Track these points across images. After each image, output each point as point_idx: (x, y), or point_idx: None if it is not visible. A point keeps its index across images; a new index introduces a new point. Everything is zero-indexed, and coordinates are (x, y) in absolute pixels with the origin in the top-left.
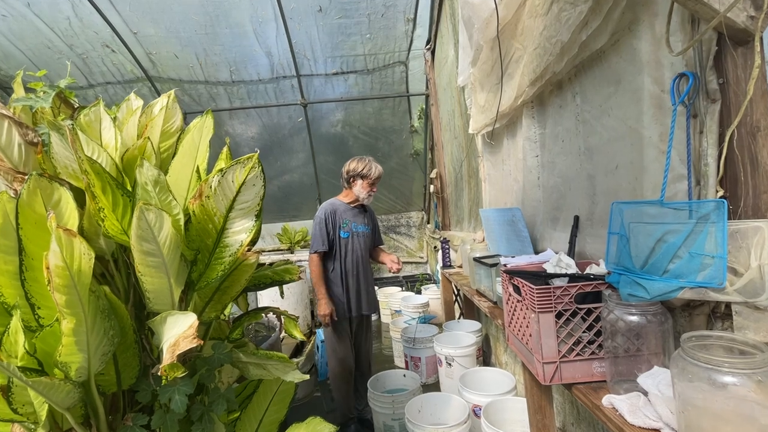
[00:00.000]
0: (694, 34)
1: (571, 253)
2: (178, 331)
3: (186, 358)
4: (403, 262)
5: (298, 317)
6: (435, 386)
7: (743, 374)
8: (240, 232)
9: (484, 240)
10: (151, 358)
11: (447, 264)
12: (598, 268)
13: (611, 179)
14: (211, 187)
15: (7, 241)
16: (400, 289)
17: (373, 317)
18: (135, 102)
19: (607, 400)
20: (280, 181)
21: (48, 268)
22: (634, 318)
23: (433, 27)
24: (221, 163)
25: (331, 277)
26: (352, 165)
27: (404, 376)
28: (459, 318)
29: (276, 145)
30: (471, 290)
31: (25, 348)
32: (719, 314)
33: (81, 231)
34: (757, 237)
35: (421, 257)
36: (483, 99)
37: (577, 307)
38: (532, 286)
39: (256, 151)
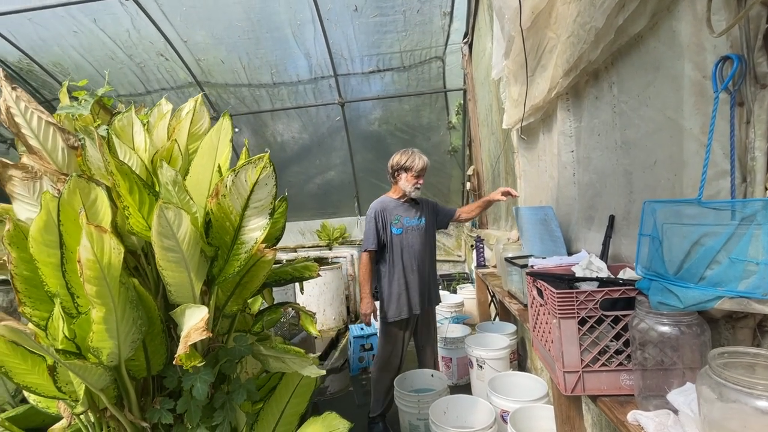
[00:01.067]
0: (739, 12)
1: (604, 255)
2: (191, 324)
3: (210, 349)
4: (440, 261)
5: (315, 313)
6: (466, 388)
7: None
8: (255, 229)
9: (518, 240)
10: (177, 346)
11: (481, 263)
12: (631, 273)
13: (649, 175)
14: (226, 186)
15: (51, 236)
16: None
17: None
18: (165, 106)
19: (633, 416)
20: (320, 180)
21: (80, 261)
22: (665, 328)
23: (471, 20)
24: (241, 164)
25: (389, 275)
26: (396, 158)
27: (432, 376)
28: (494, 319)
29: (315, 145)
30: (503, 291)
31: (64, 333)
32: (767, 328)
33: (115, 227)
34: None
35: (459, 256)
36: (517, 92)
37: (603, 314)
38: (553, 289)
39: (266, 152)
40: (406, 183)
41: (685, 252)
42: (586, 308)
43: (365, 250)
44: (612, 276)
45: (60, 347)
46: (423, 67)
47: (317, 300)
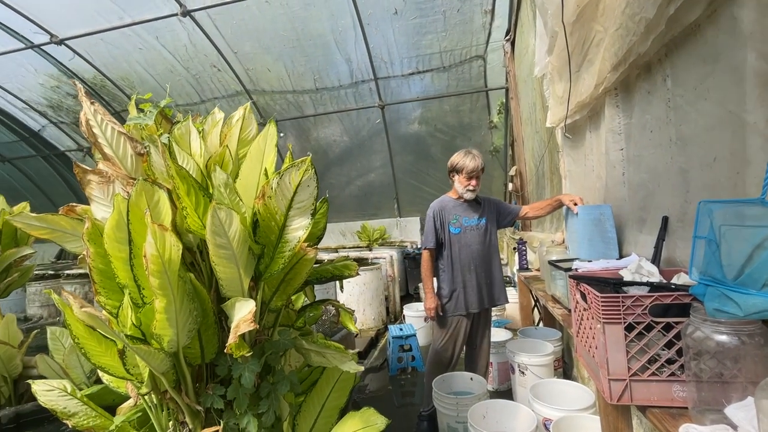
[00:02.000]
0: None
1: (656, 259)
2: (240, 316)
3: (256, 341)
4: None
5: (354, 311)
6: (507, 394)
7: None
8: (298, 229)
9: (563, 242)
10: (228, 337)
11: (524, 267)
12: (686, 278)
13: (708, 174)
14: (272, 188)
15: (121, 233)
16: None
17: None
18: (218, 115)
19: (686, 430)
20: (360, 182)
21: (145, 256)
22: (724, 338)
23: (513, 16)
24: (285, 167)
25: (446, 273)
26: (452, 159)
27: (471, 379)
28: (537, 325)
29: (356, 147)
30: (546, 295)
31: (132, 321)
32: None
33: (174, 226)
34: None
35: (501, 258)
36: (561, 89)
37: (652, 321)
38: (597, 293)
39: (308, 155)
40: (459, 185)
41: (746, 256)
42: (634, 314)
43: (425, 248)
44: (664, 281)
45: (128, 333)
46: (463, 66)
47: (357, 299)
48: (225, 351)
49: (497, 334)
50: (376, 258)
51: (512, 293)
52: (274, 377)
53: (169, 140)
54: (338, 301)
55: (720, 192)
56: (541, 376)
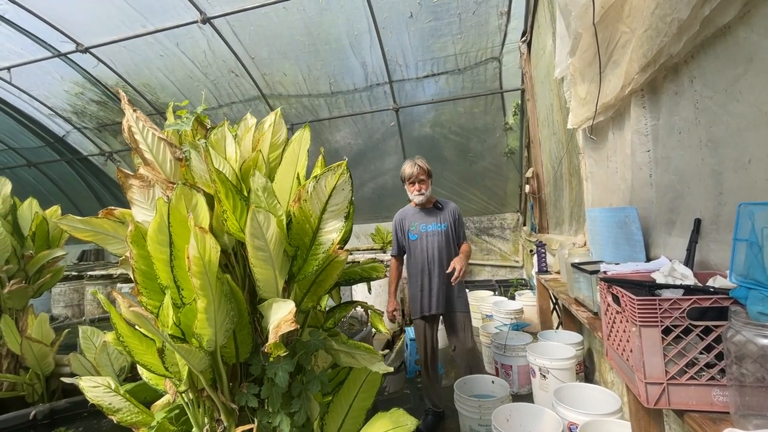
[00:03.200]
0: None
1: (689, 261)
2: (280, 316)
3: (288, 341)
4: (496, 266)
5: (383, 312)
6: (528, 397)
7: None
8: (332, 231)
9: (585, 244)
10: (261, 337)
11: (543, 269)
12: (723, 281)
13: (742, 176)
14: (307, 191)
15: (162, 236)
16: (492, 293)
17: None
18: (250, 120)
19: None
20: (374, 184)
21: (188, 257)
22: (766, 341)
23: (529, 17)
24: (317, 170)
25: (409, 278)
26: None
27: (492, 382)
28: (557, 328)
29: (370, 150)
30: (569, 298)
31: (173, 320)
32: None
33: (211, 229)
34: None
35: (516, 261)
36: (584, 91)
37: (690, 324)
38: (633, 296)
39: (345, 159)
40: (408, 193)
41: None
42: (671, 317)
43: (392, 255)
44: (699, 284)
45: (169, 332)
46: (479, 68)
47: (373, 302)
48: (264, 350)
49: (517, 338)
50: (389, 260)
51: (529, 296)
52: (305, 377)
53: (206, 145)
54: (366, 302)
55: (756, 194)
56: (563, 379)
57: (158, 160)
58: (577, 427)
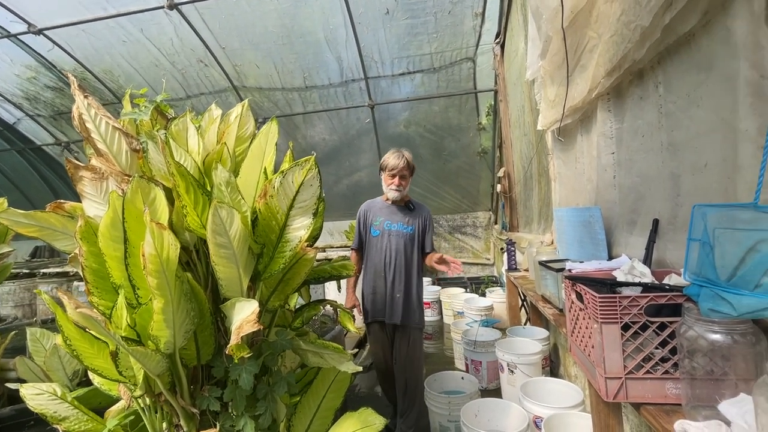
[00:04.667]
0: None
1: (647, 260)
2: (243, 316)
3: (253, 342)
4: (469, 264)
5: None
6: (496, 392)
7: None
8: (299, 228)
9: (552, 243)
10: (224, 338)
11: (512, 267)
12: (678, 279)
13: (699, 179)
14: (274, 187)
15: (116, 232)
16: (463, 290)
17: (434, 317)
18: (215, 111)
19: (680, 425)
20: (349, 181)
21: (143, 255)
22: (717, 336)
23: (503, 20)
24: (285, 165)
25: (364, 276)
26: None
27: (462, 378)
28: (525, 324)
29: (345, 146)
30: (536, 295)
31: (127, 321)
32: None
33: (170, 225)
34: None
35: (488, 259)
36: (553, 93)
37: (647, 320)
38: (595, 294)
39: (313, 154)
40: (384, 184)
41: (739, 258)
42: (630, 314)
43: (352, 249)
44: (656, 281)
45: (123, 334)
46: (453, 68)
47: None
48: (225, 352)
49: (487, 334)
50: None
51: (499, 293)
52: (271, 378)
53: (166, 137)
54: (335, 301)
55: (711, 196)
56: (530, 374)
57: (112, 151)
58: (542, 420)
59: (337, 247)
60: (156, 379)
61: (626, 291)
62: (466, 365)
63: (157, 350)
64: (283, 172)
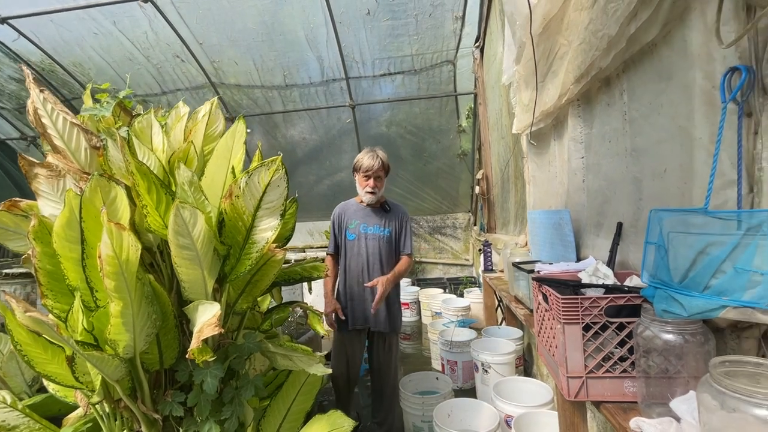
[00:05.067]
0: (748, 23)
1: (611, 262)
2: (204, 319)
3: (219, 345)
4: (448, 264)
5: (322, 312)
6: (471, 392)
7: None
8: (267, 229)
9: (526, 244)
10: (189, 341)
11: (489, 268)
12: (638, 281)
13: (659, 184)
14: (240, 187)
15: (73, 232)
16: (442, 291)
17: (412, 318)
18: (182, 109)
19: (636, 423)
20: (330, 181)
21: (100, 257)
22: (669, 336)
23: (482, 24)
24: (254, 166)
25: (338, 282)
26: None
27: (437, 378)
28: (501, 324)
29: (326, 146)
30: (509, 296)
31: (83, 325)
32: None
33: (132, 225)
34: None
35: (467, 260)
36: (527, 98)
37: (607, 321)
38: (558, 295)
39: (279, 155)
40: (358, 186)
41: (690, 261)
42: (591, 314)
43: (327, 253)
44: (618, 283)
45: (79, 339)
46: (434, 70)
47: (313, 302)
48: (187, 356)
49: (463, 334)
50: None
51: (477, 294)
52: (238, 382)
53: (128, 134)
54: (306, 303)
55: (669, 201)
56: (504, 374)
57: (70, 148)
58: (512, 419)
59: (317, 248)
60: (115, 385)
61: (590, 292)
62: (442, 365)
63: (115, 355)
64: (248, 172)
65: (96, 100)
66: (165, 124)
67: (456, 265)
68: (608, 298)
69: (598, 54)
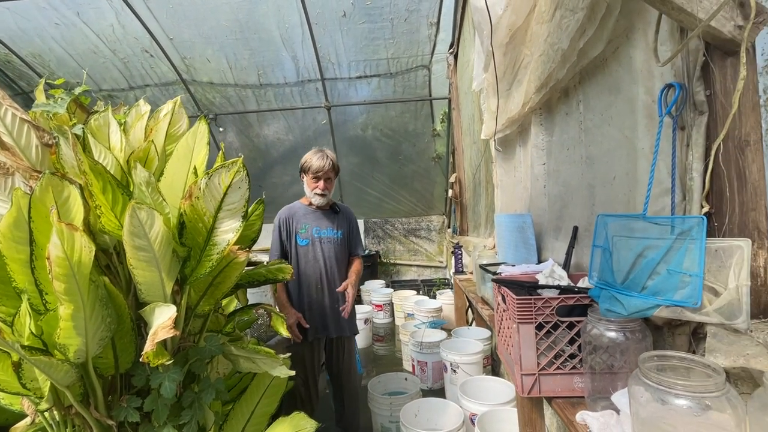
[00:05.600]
0: (681, 44)
1: (567, 264)
2: (160, 322)
3: (179, 348)
4: (422, 266)
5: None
6: (440, 392)
7: (693, 397)
8: (228, 231)
9: (494, 247)
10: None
11: (459, 270)
12: (588, 282)
13: (609, 190)
14: (200, 188)
15: (20, 232)
16: (415, 292)
17: (385, 320)
18: (143, 107)
19: (581, 416)
20: None
21: (49, 258)
22: (612, 334)
23: (456, 31)
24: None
25: (289, 292)
26: (301, 161)
27: (406, 379)
28: (470, 325)
29: (301, 147)
30: (477, 297)
31: (30, 329)
32: (701, 335)
33: (87, 226)
34: (737, 256)
35: (440, 261)
36: (495, 104)
37: (558, 320)
38: (514, 296)
39: (240, 156)
40: (307, 187)
41: (630, 263)
42: (544, 314)
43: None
44: (571, 284)
45: (26, 343)
46: (409, 74)
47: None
48: (141, 359)
49: (433, 335)
50: None
51: (449, 295)
52: (199, 385)
53: (83, 131)
54: (270, 305)
55: (617, 206)
56: (471, 373)
57: (20, 145)
58: (477, 417)
59: None
60: (65, 391)
61: (545, 293)
62: (413, 366)
63: (65, 359)
64: (209, 173)
65: (50, 96)
66: (124, 122)
67: (430, 267)
68: (559, 298)
69: (554, 66)
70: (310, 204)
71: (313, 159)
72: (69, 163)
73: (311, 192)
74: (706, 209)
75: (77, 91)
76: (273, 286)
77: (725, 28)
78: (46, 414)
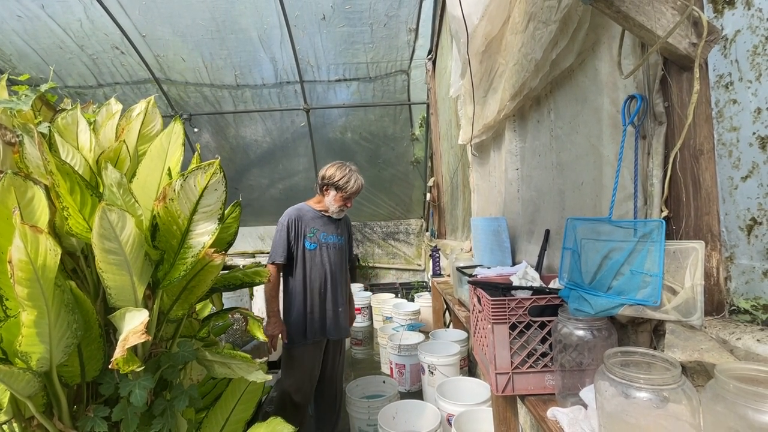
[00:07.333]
0: (642, 58)
1: (539, 266)
2: (130, 327)
3: (151, 354)
4: (401, 269)
5: (263, 319)
6: (418, 394)
7: (653, 389)
8: (203, 234)
9: (471, 250)
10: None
11: (437, 272)
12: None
13: (578, 195)
14: (174, 190)
15: None
16: (394, 296)
17: (364, 323)
18: (114, 106)
19: (551, 412)
20: (284, 185)
21: (10, 262)
22: (581, 332)
23: (435, 38)
24: (190, 168)
25: (292, 294)
26: (330, 171)
27: (384, 382)
28: (448, 327)
29: (279, 149)
30: (454, 299)
31: None
32: (662, 332)
33: (53, 228)
34: (692, 257)
35: (419, 264)
36: (471, 111)
37: (531, 320)
38: (488, 297)
39: (217, 158)
40: (332, 202)
41: (597, 264)
42: (517, 314)
43: (273, 263)
44: (543, 285)
45: None
46: (389, 79)
47: (260, 307)
48: (110, 366)
49: (411, 338)
50: None
51: (427, 298)
52: (171, 393)
53: (50, 130)
54: (247, 309)
55: (585, 211)
56: (448, 375)
57: None
58: (453, 418)
59: (267, 253)
60: (26, 401)
61: (519, 294)
62: (391, 369)
63: (27, 368)
64: (184, 174)
65: (13, 92)
66: (94, 121)
67: (408, 270)
68: (531, 299)
69: (528, 75)
70: (324, 210)
71: (351, 181)
72: (34, 162)
73: (337, 207)
74: (665, 213)
75: (43, 87)
76: (267, 292)
77: (681, 45)
78: (5, 427)
